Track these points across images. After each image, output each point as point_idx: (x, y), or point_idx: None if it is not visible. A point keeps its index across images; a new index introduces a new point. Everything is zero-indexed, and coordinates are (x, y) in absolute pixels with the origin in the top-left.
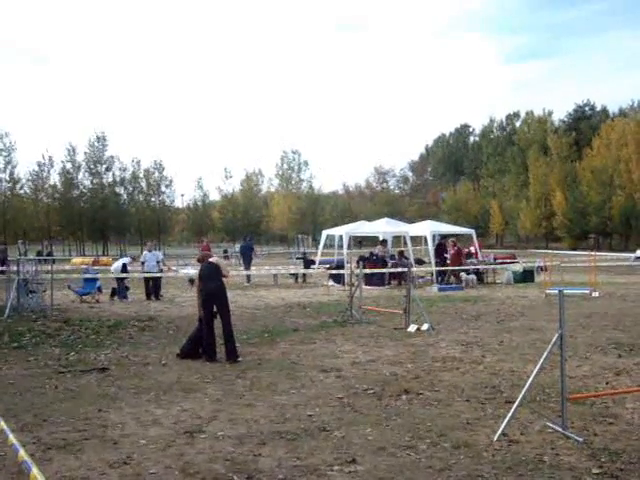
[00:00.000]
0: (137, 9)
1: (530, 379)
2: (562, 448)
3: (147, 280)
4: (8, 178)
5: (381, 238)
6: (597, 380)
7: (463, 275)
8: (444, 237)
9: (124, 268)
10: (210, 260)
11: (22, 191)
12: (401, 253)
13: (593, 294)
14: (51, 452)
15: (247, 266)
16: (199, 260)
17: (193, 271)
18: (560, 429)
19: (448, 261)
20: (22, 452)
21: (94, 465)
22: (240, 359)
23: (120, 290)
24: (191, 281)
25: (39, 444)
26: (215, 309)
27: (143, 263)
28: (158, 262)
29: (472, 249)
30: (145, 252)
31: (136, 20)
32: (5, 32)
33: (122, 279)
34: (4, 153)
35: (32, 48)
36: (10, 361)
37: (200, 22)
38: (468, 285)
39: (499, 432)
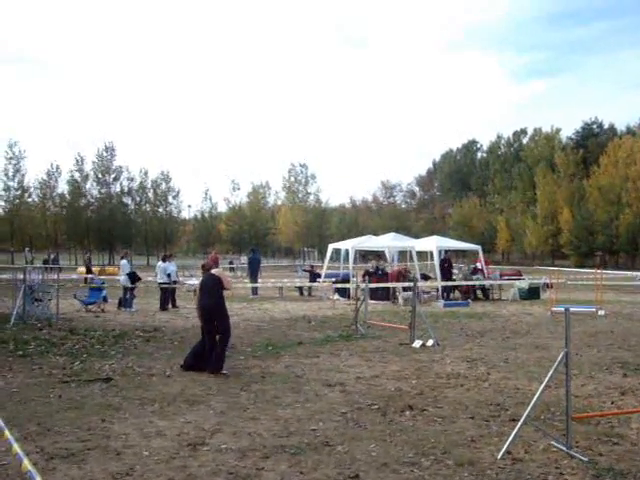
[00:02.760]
0: (148, 20)
1: (535, 397)
2: (566, 467)
3: (167, 290)
4: (17, 186)
5: (387, 252)
6: (602, 399)
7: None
8: (447, 252)
9: (133, 278)
10: (212, 272)
11: (30, 199)
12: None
13: (599, 312)
14: (54, 462)
15: (254, 279)
16: (203, 267)
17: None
18: (565, 448)
19: (454, 277)
20: (26, 462)
21: (97, 476)
22: (225, 372)
23: (127, 299)
24: (195, 292)
25: (42, 453)
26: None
27: (169, 275)
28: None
29: (478, 265)
30: (167, 264)
31: (147, 31)
32: (15, 43)
33: (131, 289)
34: (13, 161)
35: (42, 58)
36: (15, 369)
37: (209, 36)
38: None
39: (503, 450)
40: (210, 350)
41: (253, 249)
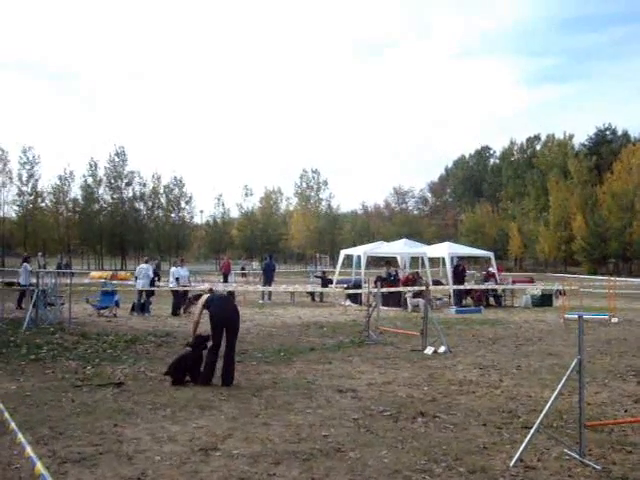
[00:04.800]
0: (160, 26)
1: (548, 404)
2: (579, 476)
3: (178, 294)
4: (30, 191)
5: (399, 259)
6: (616, 407)
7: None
8: (460, 259)
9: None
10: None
11: (44, 204)
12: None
13: (612, 320)
14: (66, 466)
15: (269, 284)
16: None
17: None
18: (578, 456)
19: (467, 284)
20: (39, 465)
21: None
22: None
23: (144, 304)
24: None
25: (54, 457)
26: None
27: (178, 279)
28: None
29: (491, 270)
30: (177, 268)
31: (160, 37)
32: (29, 49)
33: (148, 293)
34: (27, 166)
35: (54, 65)
36: (27, 373)
37: (220, 41)
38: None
39: (516, 457)
40: (211, 362)
41: (270, 255)
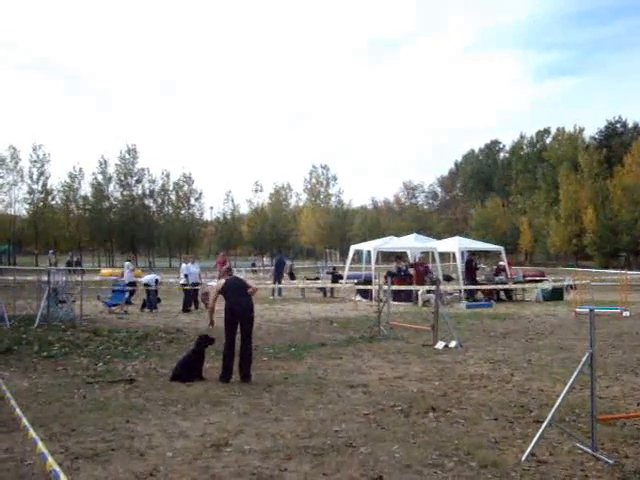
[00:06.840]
0: (171, 24)
1: (559, 399)
2: (592, 470)
3: (189, 291)
4: (41, 189)
5: (409, 254)
6: (628, 401)
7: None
8: (472, 254)
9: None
10: (235, 275)
11: (54, 202)
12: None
13: (624, 313)
14: (79, 462)
15: (279, 280)
16: (228, 271)
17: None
18: (590, 450)
19: (478, 278)
20: (51, 461)
21: (121, 476)
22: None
23: (151, 301)
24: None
25: (67, 453)
26: (239, 326)
27: (187, 276)
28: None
29: (501, 264)
30: (188, 265)
31: (170, 33)
32: (40, 49)
33: (154, 290)
34: (38, 164)
35: (65, 64)
36: (39, 370)
37: (232, 37)
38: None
39: (527, 452)
40: (229, 358)
41: (280, 251)
